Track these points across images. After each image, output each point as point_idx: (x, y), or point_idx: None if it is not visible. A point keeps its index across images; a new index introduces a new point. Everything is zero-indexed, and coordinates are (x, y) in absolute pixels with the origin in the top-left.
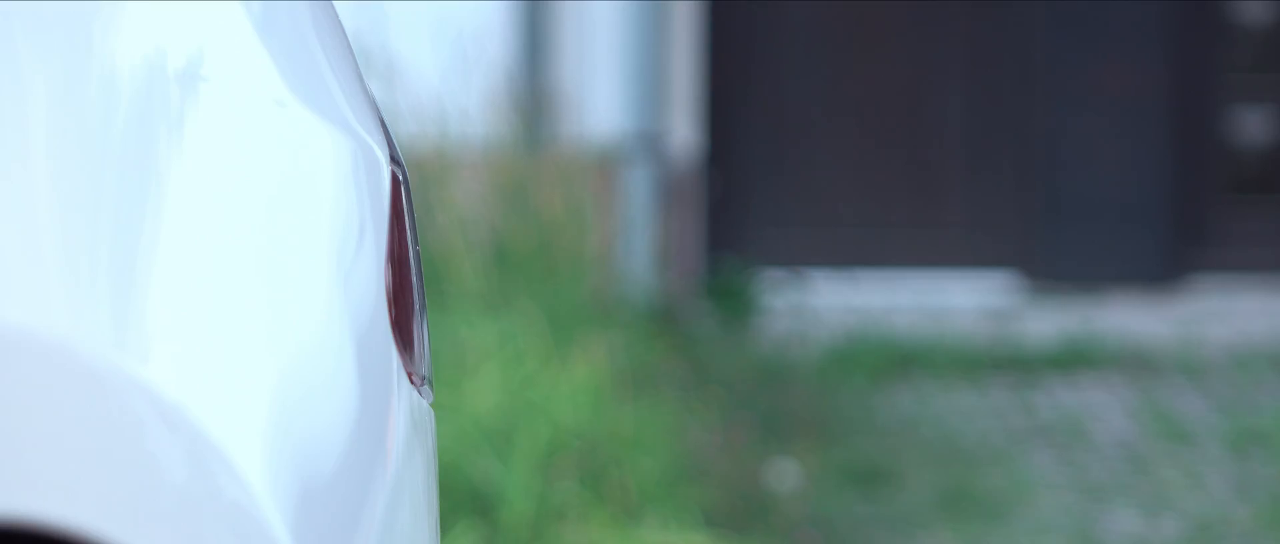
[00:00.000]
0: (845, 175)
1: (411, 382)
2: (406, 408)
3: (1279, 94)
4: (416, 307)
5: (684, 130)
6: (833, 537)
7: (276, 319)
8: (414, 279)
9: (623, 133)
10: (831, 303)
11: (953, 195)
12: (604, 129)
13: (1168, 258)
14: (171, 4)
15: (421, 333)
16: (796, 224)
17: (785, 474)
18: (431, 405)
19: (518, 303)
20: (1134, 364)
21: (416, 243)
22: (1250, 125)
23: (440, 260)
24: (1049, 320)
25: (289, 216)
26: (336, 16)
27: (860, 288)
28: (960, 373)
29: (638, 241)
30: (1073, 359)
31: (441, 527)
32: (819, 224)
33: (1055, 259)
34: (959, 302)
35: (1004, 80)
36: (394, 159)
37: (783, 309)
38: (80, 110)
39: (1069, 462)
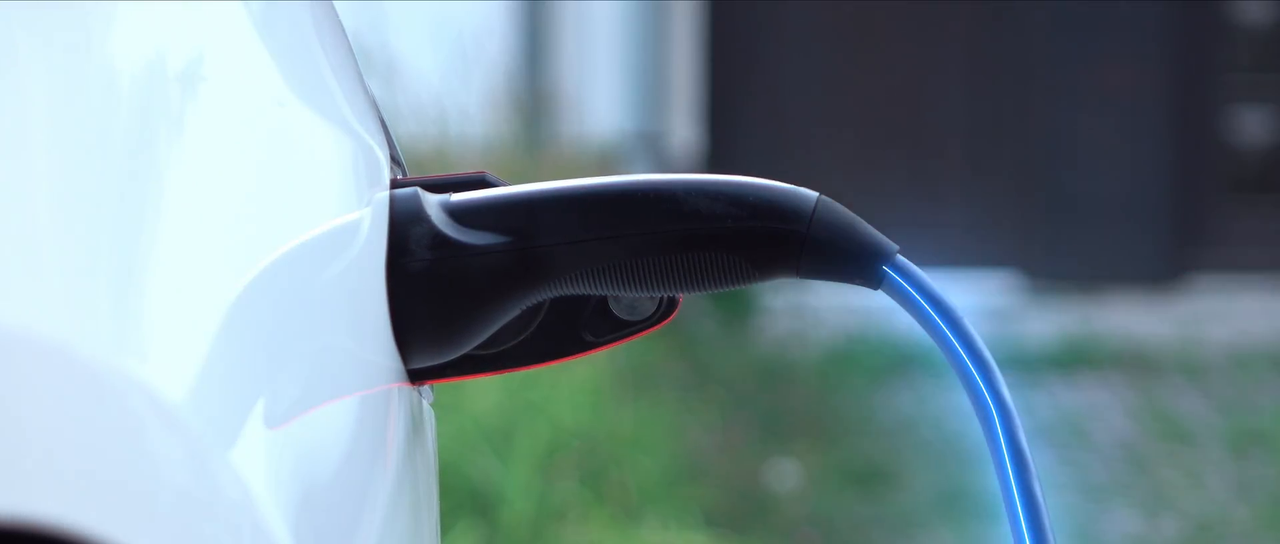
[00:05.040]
0: (845, 175)
1: (411, 381)
2: (406, 408)
3: (1279, 94)
4: None
5: (684, 130)
6: (833, 537)
7: (276, 319)
8: None
9: (622, 133)
10: (831, 303)
11: (953, 195)
12: (604, 129)
13: (1168, 258)
14: (171, 4)
15: None
16: None
17: (785, 474)
18: (431, 405)
19: None
20: (1134, 364)
21: None
22: (1250, 125)
23: None
24: (1049, 320)
25: (289, 216)
26: (336, 16)
27: (860, 288)
28: None
29: None
30: (1073, 359)
31: (441, 527)
32: None
33: (1055, 259)
34: (960, 301)
35: (1004, 81)
36: (394, 159)
37: (783, 309)
38: (80, 110)
39: (1069, 462)
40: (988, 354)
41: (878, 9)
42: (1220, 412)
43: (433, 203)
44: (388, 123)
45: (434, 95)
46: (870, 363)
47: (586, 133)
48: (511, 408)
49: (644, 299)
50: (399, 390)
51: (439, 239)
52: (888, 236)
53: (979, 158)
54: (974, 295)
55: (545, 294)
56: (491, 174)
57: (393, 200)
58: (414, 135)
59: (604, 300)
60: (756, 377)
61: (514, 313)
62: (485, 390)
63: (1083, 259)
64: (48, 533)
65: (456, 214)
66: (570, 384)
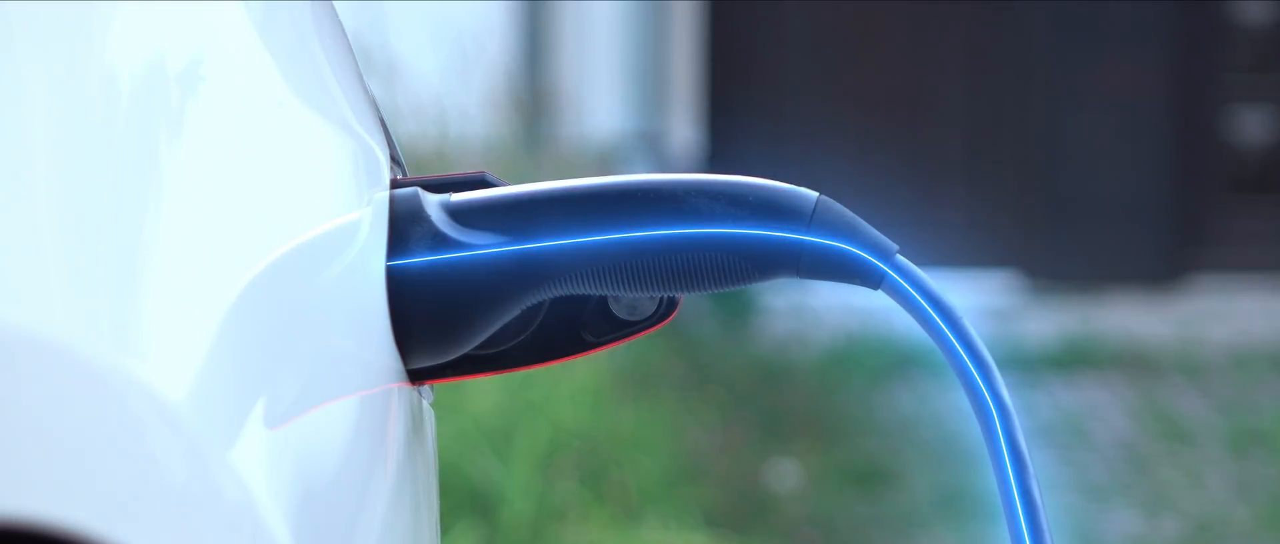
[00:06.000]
0: (845, 175)
1: (411, 381)
2: (406, 408)
3: (1279, 94)
4: None
5: (684, 130)
6: (833, 537)
7: (276, 319)
8: None
9: (622, 132)
10: (831, 303)
11: (953, 195)
12: (604, 128)
13: (1168, 258)
14: (171, 4)
15: None
16: None
17: (785, 474)
18: (431, 405)
19: None
20: (1134, 364)
21: None
22: (1250, 125)
23: None
24: (1049, 320)
25: (289, 217)
26: (336, 16)
27: (860, 288)
28: None
29: None
30: (1073, 359)
31: (441, 527)
32: None
33: (1055, 259)
34: (959, 301)
35: (1004, 80)
36: (394, 159)
37: (783, 309)
38: (80, 110)
39: (1069, 462)
40: (987, 354)
41: (878, 9)
42: (1220, 412)
43: (433, 203)
44: (388, 123)
45: (434, 95)
46: (870, 363)
47: (586, 133)
48: (511, 408)
49: (644, 299)
50: (399, 390)
51: (439, 239)
52: (887, 236)
53: (979, 158)
54: (974, 295)
55: (545, 294)
56: (491, 174)
57: (393, 200)
58: (414, 135)
59: (604, 300)
60: (756, 377)
61: (514, 313)
62: (485, 390)
63: (1083, 259)
64: (48, 533)
65: (456, 214)
66: (570, 384)
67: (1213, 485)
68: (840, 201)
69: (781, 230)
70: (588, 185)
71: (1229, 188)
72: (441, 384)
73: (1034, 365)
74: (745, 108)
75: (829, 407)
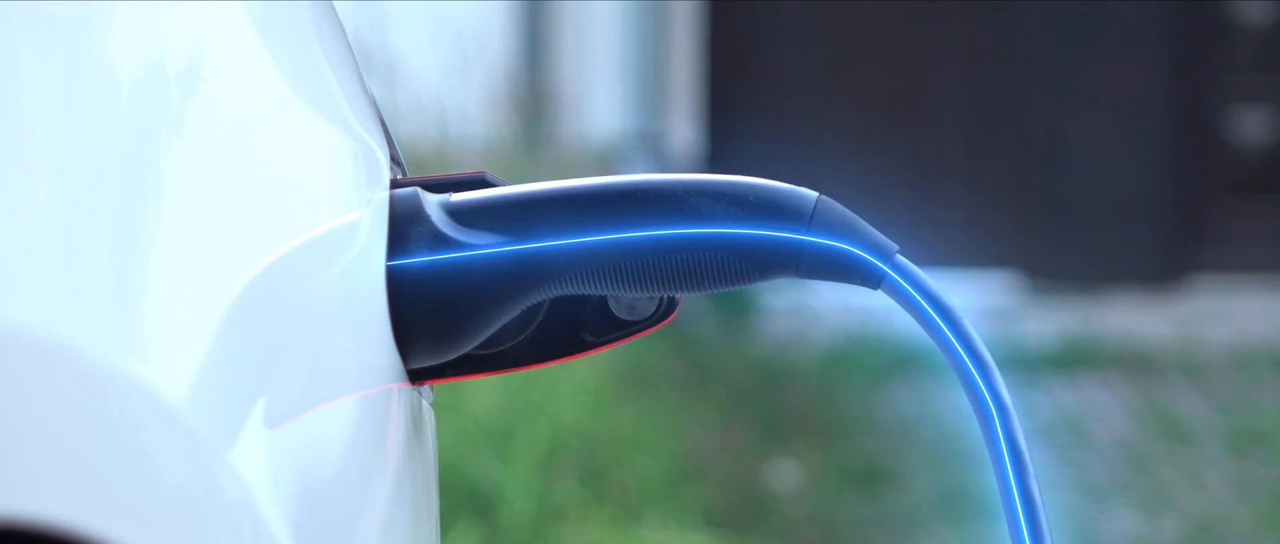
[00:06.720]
0: (845, 175)
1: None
2: (406, 408)
3: (1279, 94)
4: None
5: (684, 130)
6: (833, 537)
7: (276, 319)
8: None
9: (622, 132)
10: (831, 303)
11: (953, 195)
12: (604, 128)
13: (1168, 258)
14: (171, 4)
15: None
16: None
17: (785, 474)
18: (431, 405)
19: None
20: (1134, 364)
21: None
22: (1250, 125)
23: None
24: (1049, 320)
25: (289, 216)
26: (336, 16)
27: (860, 288)
28: None
29: None
30: (1073, 359)
31: (441, 527)
32: None
33: (1055, 259)
34: (959, 301)
35: (1004, 80)
36: (394, 159)
37: (783, 309)
38: (80, 110)
39: (1069, 462)
40: (987, 354)
41: (878, 9)
42: (1220, 412)
43: (433, 203)
44: (388, 123)
45: (434, 95)
46: (870, 363)
47: (586, 133)
48: (511, 408)
49: (644, 299)
50: (399, 390)
51: (439, 239)
52: (887, 236)
53: (979, 158)
54: (974, 295)
55: (545, 294)
56: (491, 174)
57: (392, 200)
58: (414, 135)
59: (604, 300)
60: (756, 377)
61: (514, 313)
62: (485, 390)
63: (1083, 259)
64: (48, 533)
65: (456, 214)
66: (570, 384)
67: (1213, 485)
68: (840, 201)
69: (781, 230)
70: (588, 185)
71: (1229, 188)
72: (441, 384)
73: (1034, 365)
74: (745, 108)
75: (829, 407)
